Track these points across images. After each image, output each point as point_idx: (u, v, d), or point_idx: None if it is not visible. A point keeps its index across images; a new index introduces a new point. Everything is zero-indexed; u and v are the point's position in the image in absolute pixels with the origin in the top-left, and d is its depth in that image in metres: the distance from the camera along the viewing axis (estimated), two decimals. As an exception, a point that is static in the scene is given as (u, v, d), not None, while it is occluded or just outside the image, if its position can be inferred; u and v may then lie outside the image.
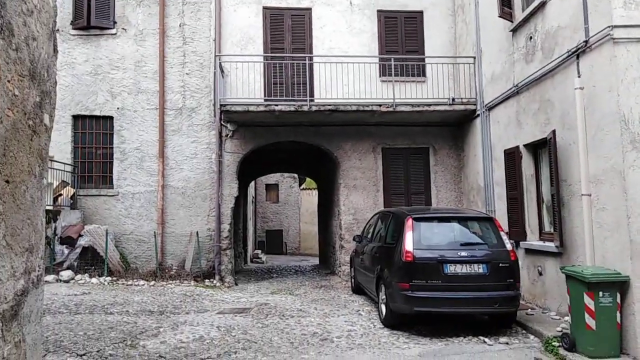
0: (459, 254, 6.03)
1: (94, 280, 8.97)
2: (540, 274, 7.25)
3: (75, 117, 10.61)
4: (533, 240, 7.69)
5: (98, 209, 10.43)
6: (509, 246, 6.27)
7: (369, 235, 8.40)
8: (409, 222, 6.34)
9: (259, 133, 10.70)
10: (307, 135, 10.90)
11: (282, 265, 17.42)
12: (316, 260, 19.96)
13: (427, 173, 11.11)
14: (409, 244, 6.12)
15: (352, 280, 9.39)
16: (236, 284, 10.32)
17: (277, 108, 9.60)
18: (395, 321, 6.29)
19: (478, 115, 9.95)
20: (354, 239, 9.09)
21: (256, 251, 24.60)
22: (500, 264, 6.05)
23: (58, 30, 10.17)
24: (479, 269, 6.00)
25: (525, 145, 7.91)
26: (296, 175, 29.23)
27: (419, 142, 11.13)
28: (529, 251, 7.60)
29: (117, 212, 10.44)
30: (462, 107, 10.14)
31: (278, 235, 29.50)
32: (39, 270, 2.95)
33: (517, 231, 7.91)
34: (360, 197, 10.86)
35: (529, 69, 7.61)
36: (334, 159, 11.31)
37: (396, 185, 10.99)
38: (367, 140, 10.98)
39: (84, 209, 10.38)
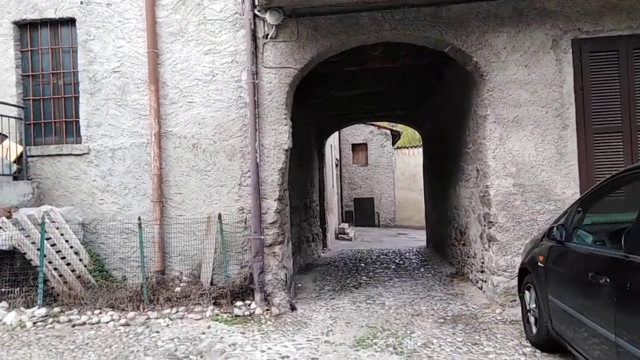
0: None
1: (9, 318, 4.62)
2: None
3: (21, 26, 6.34)
4: None
5: (61, 178, 6.18)
6: None
7: (605, 226, 3.16)
8: None
9: (323, 29, 5.67)
10: (417, 25, 5.63)
11: (375, 249, 12.44)
12: (419, 236, 14.91)
13: (668, 87, 5.39)
14: None
15: (531, 316, 4.21)
16: (292, 309, 5.60)
17: (354, -51, 4.47)
18: None
19: None
20: (548, 235, 3.80)
21: (342, 225, 20.22)
22: None
23: None
24: None
25: None
26: (388, 132, 24.07)
27: (650, 24, 5.40)
28: None
29: (89, 183, 6.12)
30: None
31: (369, 204, 24.96)
32: None
33: None
34: (530, 142, 5.46)
35: None
36: (469, 70, 5.95)
37: (604, 113, 5.41)
38: (538, 26, 5.47)
39: (40, 179, 6.21)
